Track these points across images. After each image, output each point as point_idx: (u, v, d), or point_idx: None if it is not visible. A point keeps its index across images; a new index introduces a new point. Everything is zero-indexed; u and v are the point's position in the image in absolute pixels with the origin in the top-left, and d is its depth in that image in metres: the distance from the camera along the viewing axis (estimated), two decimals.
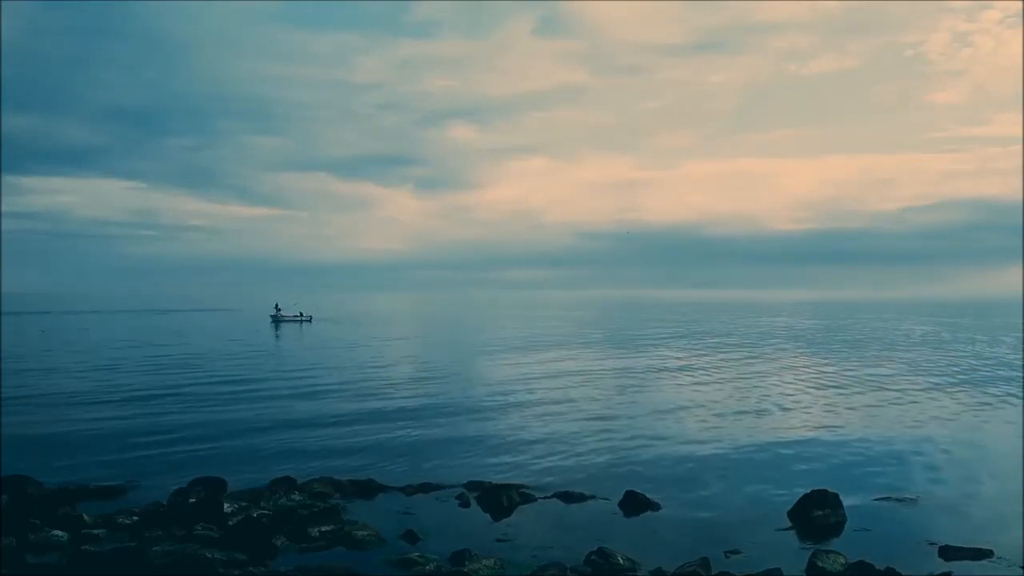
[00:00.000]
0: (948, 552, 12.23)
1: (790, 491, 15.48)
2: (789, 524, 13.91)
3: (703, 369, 41.28)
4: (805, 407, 27.74)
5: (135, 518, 13.33)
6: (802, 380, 35.93)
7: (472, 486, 16.24)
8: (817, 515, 13.93)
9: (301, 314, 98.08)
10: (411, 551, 12.10)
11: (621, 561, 11.45)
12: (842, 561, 11.44)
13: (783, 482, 16.91)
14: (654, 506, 14.97)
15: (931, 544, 12.68)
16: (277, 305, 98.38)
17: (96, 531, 12.57)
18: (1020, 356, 49.10)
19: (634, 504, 15.01)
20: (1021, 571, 11.60)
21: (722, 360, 46.31)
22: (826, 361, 45.76)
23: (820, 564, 11.31)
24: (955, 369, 41.35)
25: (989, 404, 28.67)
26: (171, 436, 21.73)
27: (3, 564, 10.98)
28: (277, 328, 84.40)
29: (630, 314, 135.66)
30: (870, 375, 38.06)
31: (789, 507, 14.43)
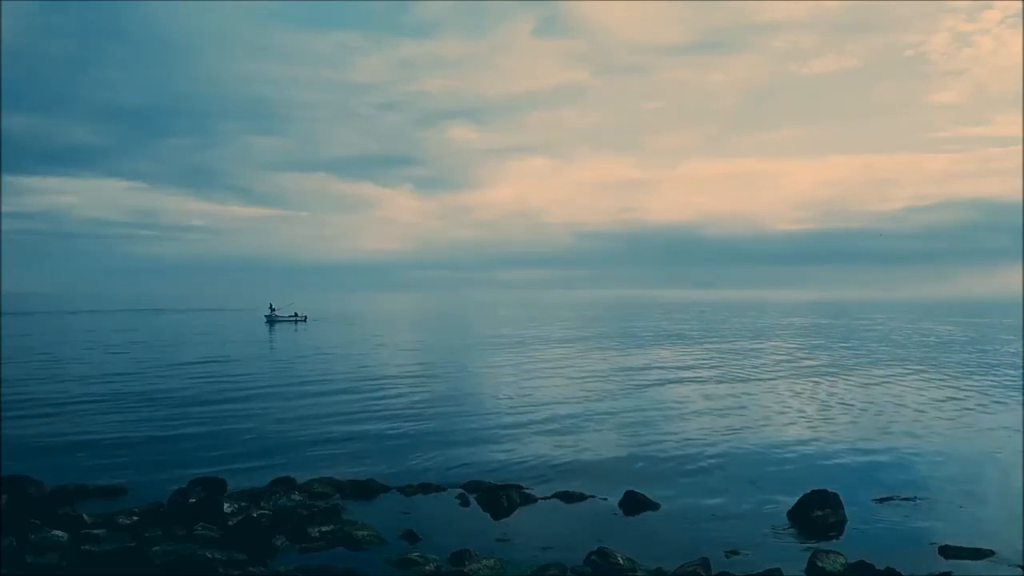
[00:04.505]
0: (948, 552, 12.25)
1: (790, 491, 15.49)
2: (789, 524, 13.93)
3: (707, 369, 41.28)
4: (807, 407, 27.75)
5: (135, 518, 13.33)
6: (804, 380, 35.95)
7: (472, 486, 16.25)
8: (817, 515, 13.95)
9: (296, 314, 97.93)
10: (411, 551, 12.10)
11: (621, 561, 11.45)
12: (842, 561, 11.45)
13: (783, 482, 16.92)
14: (654, 506, 14.99)
15: (931, 544, 12.71)
16: (272, 305, 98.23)
17: (96, 531, 12.56)
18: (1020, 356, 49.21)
19: (634, 504, 15.02)
20: (1021, 571, 11.62)
21: (726, 359, 46.34)
22: (829, 359, 45.82)
23: (820, 564, 11.33)
24: (954, 366, 41.45)
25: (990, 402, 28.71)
26: (171, 436, 21.71)
27: (3, 564, 10.96)
28: (272, 328, 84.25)
29: (633, 314, 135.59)
30: (872, 374, 38.09)
31: (789, 507, 14.46)
